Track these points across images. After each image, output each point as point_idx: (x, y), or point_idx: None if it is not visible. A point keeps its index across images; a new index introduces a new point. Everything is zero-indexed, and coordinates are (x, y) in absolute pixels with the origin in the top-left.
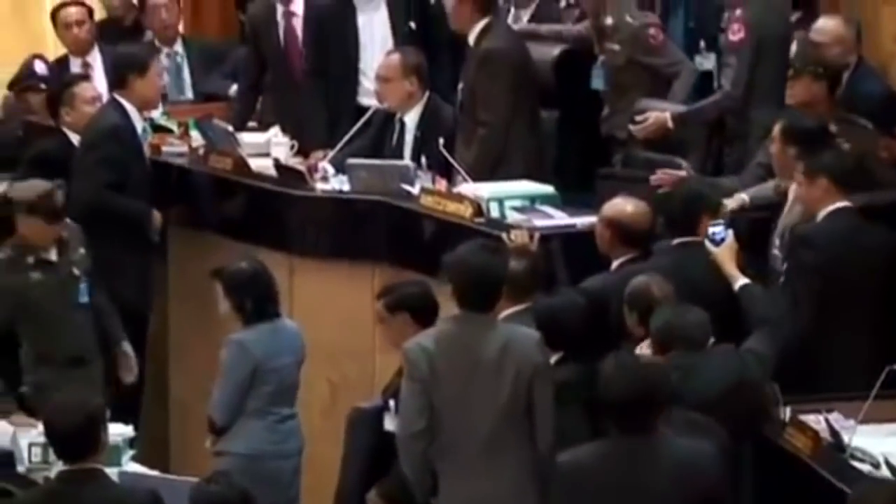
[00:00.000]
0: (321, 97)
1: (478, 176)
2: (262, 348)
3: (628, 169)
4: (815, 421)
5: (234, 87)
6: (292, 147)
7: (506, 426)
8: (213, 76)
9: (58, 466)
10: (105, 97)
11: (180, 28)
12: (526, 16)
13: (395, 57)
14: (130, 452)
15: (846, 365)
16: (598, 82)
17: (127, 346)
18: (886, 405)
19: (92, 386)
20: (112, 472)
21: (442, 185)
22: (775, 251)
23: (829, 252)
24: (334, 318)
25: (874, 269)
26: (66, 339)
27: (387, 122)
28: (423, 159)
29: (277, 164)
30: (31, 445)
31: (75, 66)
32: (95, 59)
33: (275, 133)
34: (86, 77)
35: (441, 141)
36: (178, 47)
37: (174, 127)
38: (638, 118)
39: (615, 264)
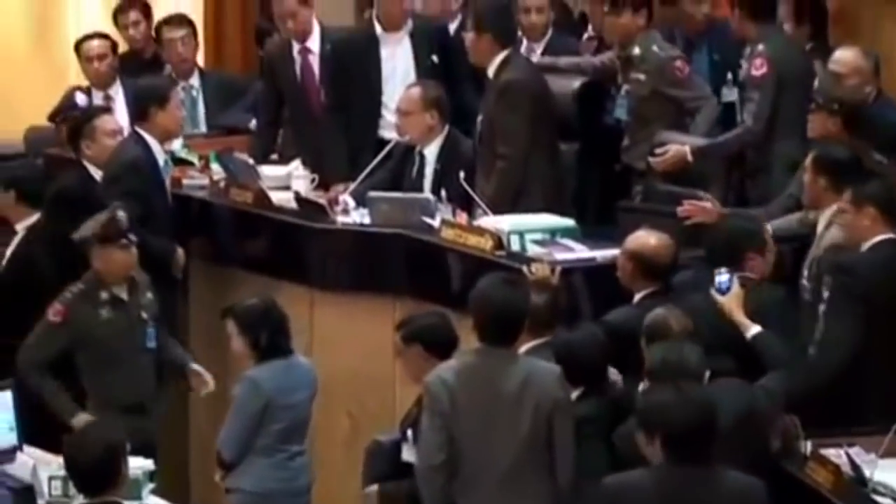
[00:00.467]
0: (342, 130)
1: (497, 208)
2: (274, 385)
3: (649, 202)
4: (836, 455)
5: (254, 121)
6: (313, 180)
7: (526, 460)
8: (233, 109)
9: (78, 500)
10: (126, 130)
11: (200, 61)
12: (539, 48)
13: (416, 90)
14: (151, 486)
15: (885, 394)
16: (620, 112)
17: (195, 365)
18: None
19: (148, 435)
20: None
21: (462, 217)
22: (804, 282)
23: (872, 281)
24: (355, 351)
25: None
26: (128, 384)
27: (407, 155)
28: (444, 192)
29: (298, 198)
30: (50, 479)
31: (97, 99)
32: (117, 92)
33: (295, 166)
34: (107, 110)
35: (461, 174)
36: (195, 80)
37: (195, 160)
38: (657, 151)
39: (637, 297)
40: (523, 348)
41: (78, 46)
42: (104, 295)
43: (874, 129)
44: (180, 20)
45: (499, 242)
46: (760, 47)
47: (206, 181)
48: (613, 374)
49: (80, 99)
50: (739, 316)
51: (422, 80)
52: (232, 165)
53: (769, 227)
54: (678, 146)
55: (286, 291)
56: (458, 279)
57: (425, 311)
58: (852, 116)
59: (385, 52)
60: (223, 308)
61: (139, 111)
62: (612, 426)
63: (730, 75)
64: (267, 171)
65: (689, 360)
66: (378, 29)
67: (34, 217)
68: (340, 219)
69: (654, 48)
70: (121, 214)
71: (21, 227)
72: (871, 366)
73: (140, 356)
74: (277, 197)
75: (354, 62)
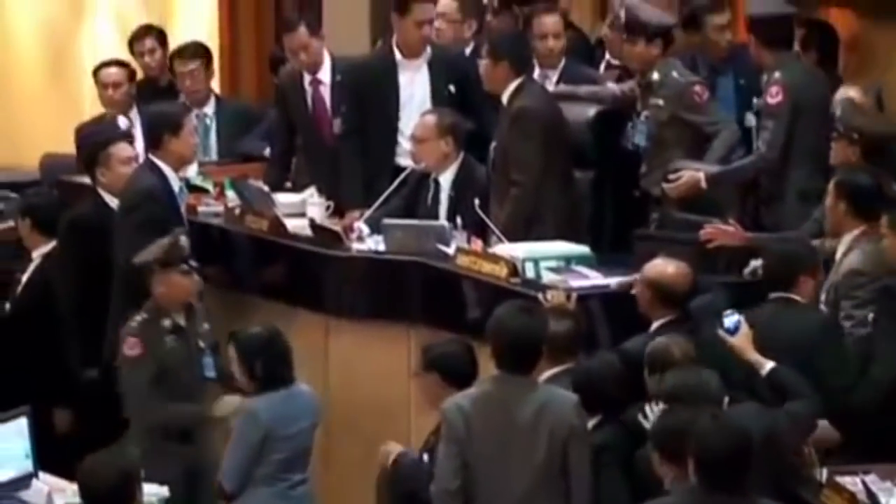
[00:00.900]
0: (358, 155)
1: (509, 235)
2: (273, 416)
3: (664, 229)
4: (852, 483)
5: (268, 149)
6: (328, 207)
7: (541, 487)
8: (248, 137)
9: None
10: (142, 157)
11: (216, 88)
12: (554, 75)
13: (431, 117)
14: None
15: None
16: (640, 138)
17: None
18: None
19: (202, 465)
20: None
21: (477, 245)
22: (822, 307)
23: None
24: (370, 378)
25: None
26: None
27: (421, 182)
28: (459, 219)
29: (313, 225)
30: None
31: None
32: (135, 119)
33: (310, 193)
34: (124, 137)
35: (476, 201)
36: (209, 109)
37: (210, 187)
38: (671, 177)
39: (655, 325)
40: (544, 375)
41: (96, 73)
42: (167, 323)
43: (893, 159)
44: (192, 52)
45: (514, 270)
46: (776, 75)
47: (221, 208)
48: None
49: (123, 123)
50: (752, 354)
51: (436, 107)
52: (247, 192)
53: None
54: (692, 172)
55: (301, 318)
56: (474, 306)
57: (449, 339)
58: (871, 146)
59: (403, 79)
60: (229, 331)
61: (152, 139)
62: (630, 454)
63: (755, 100)
64: (282, 198)
65: (710, 385)
66: (397, 55)
67: (50, 245)
68: (355, 246)
69: (674, 74)
70: (183, 240)
71: (37, 255)
72: None
73: (197, 385)
74: (292, 224)
75: (372, 88)
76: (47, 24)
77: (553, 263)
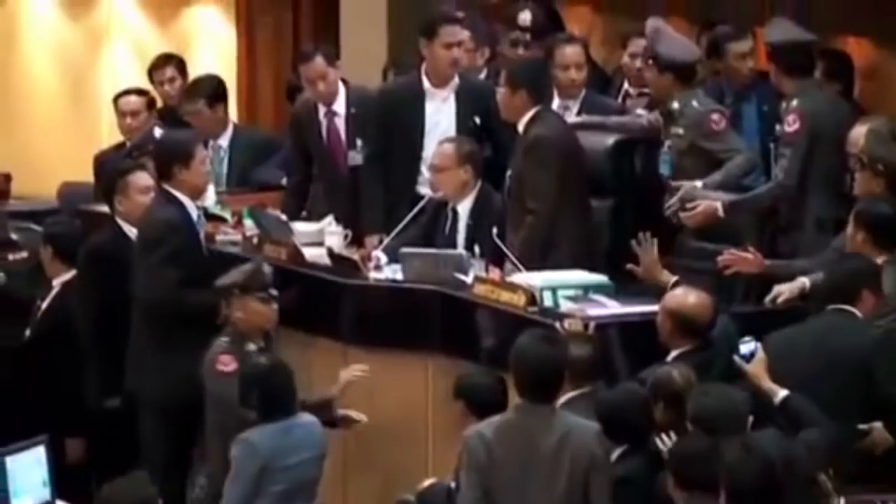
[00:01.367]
0: (380, 181)
1: (525, 263)
2: (271, 446)
3: (681, 258)
4: None
5: (285, 178)
6: (346, 236)
7: None
8: (266, 165)
9: None
10: None
11: (233, 116)
12: (574, 106)
13: (449, 146)
14: None
15: None
16: (664, 167)
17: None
18: None
19: None
20: None
21: (495, 274)
22: None
23: None
24: (388, 407)
25: None
26: None
27: (439, 210)
28: (477, 248)
29: (331, 254)
30: None
31: None
32: None
33: (328, 222)
34: (141, 166)
35: (494, 230)
36: (223, 140)
37: (228, 215)
38: (688, 206)
39: (673, 354)
40: (561, 399)
41: (115, 101)
42: (250, 346)
43: None
44: (193, 92)
45: (532, 299)
46: (794, 103)
47: (239, 237)
48: None
49: (159, 133)
50: (766, 382)
51: (455, 136)
52: (265, 221)
53: (807, 280)
54: (709, 202)
55: (320, 347)
56: (491, 335)
57: (482, 370)
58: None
59: (430, 108)
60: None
61: (163, 171)
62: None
63: (778, 127)
64: (300, 227)
65: (738, 405)
66: (425, 83)
67: (70, 273)
68: (373, 275)
69: (694, 103)
70: (266, 268)
71: (57, 283)
72: None
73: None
74: (310, 253)
75: (398, 115)
76: (65, 53)
77: (571, 292)
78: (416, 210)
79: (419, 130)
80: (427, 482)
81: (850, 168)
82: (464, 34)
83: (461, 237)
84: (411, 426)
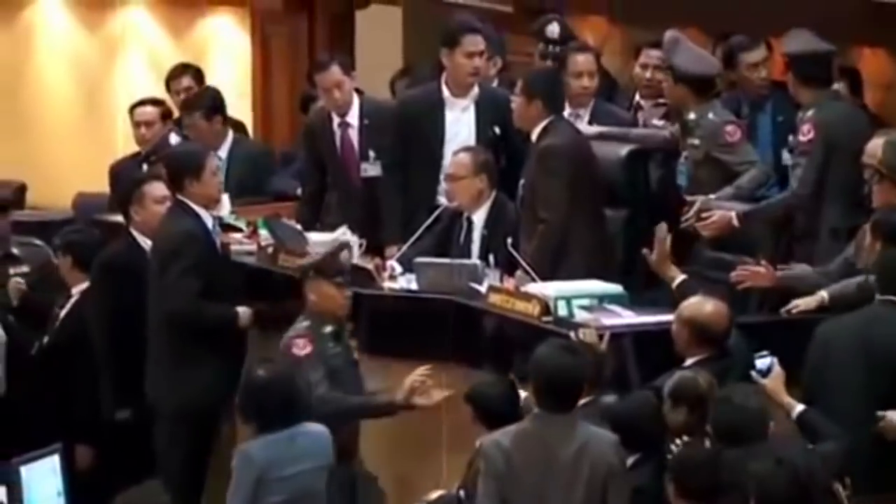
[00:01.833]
0: (399, 190)
1: (536, 273)
2: (267, 457)
3: (699, 269)
4: None
5: (300, 188)
6: (360, 245)
7: None
8: (280, 175)
9: None
10: None
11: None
12: (585, 114)
13: (465, 155)
14: None
15: None
16: (682, 178)
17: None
18: None
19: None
20: None
21: (510, 283)
22: None
23: None
24: (402, 416)
25: None
26: (345, 429)
27: (454, 220)
28: (492, 257)
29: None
30: None
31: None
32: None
33: (342, 232)
34: (156, 176)
35: (509, 239)
36: (222, 152)
37: (243, 226)
38: (704, 215)
39: (689, 363)
40: None
41: (132, 109)
42: (328, 329)
43: None
44: (191, 104)
45: (546, 308)
46: (809, 113)
47: (253, 247)
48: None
49: (174, 139)
50: (783, 397)
51: (469, 145)
52: (280, 231)
53: (825, 293)
54: (723, 211)
55: None
56: (506, 345)
57: (497, 379)
58: None
59: (450, 117)
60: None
61: (175, 183)
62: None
63: (791, 138)
64: (314, 236)
65: (760, 412)
66: (445, 93)
67: (88, 282)
68: (388, 284)
69: (710, 115)
70: (344, 254)
71: (76, 291)
72: None
73: (358, 393)
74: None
75: (418, 123)
76: (80, 63)
77: (585, 302)
78: (430, 220)
79: (439, 140)
80: (434, 494)
81: (867, 180)
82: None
83: (476, 247)
84: (425, 435)
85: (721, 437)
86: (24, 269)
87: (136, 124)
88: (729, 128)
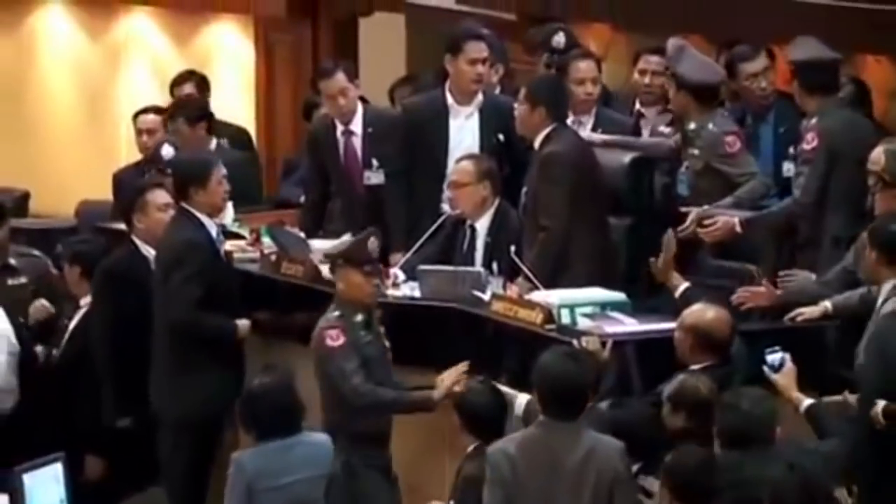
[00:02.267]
0: (404, 198)
1: (538, 280)
2: (258, 466)
3: (701, 276)
4: None
5: (303, 196)
6: None
7: None
8: (284, 183)
9: None
10: None
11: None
12: (588, 122)
13: (468, 162)
14: None
15: None
16: (682, 187)
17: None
18: None
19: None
20: None
21: (513, 291)
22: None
23: None
24: (405, 424)
25: None
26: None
27: (457, 228)
28: (495, 265)
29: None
30: None
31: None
32: None
33: (346, 240)
34: (158, 184)
35: (512, 247)
36: None
37: (246, 233)
38: (706, 222)
39: (692, 369)
40: None
41: (135, 117)
42: (359, 317)
43: None
44: (175, 110)
45: (549, 316)
46: (813, 121)
47: (257, 254)
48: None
49: (166, 151)
50: (793, 393)
51: (473, 152)
52: (283, 238)
53: (829, 303)
54: (726, 218)
55: None
56: (509, 353)
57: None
58: None
59: (454, 125)
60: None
61: (180, 191)
62: None
63: (791, 150)
64: (317, 244)
65: (767, 416)
66: (449, 100)
67: None
68: (391, 292)
69: (710, 125)
70: (373, 241)
71: (84, 303)
72: None
73: (390, 382)
74: (328, 270)
75: (422, 131)
76: (84, 71)
77: (588, 309)
78: (434, 227)
79: (443, 147)
80: None
81: (870, 187)
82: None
83: (479, 255)
84: (428, 444)
85: (728, 442)
86: (23, 279)
87: (139, 132)
88: (729, 138)
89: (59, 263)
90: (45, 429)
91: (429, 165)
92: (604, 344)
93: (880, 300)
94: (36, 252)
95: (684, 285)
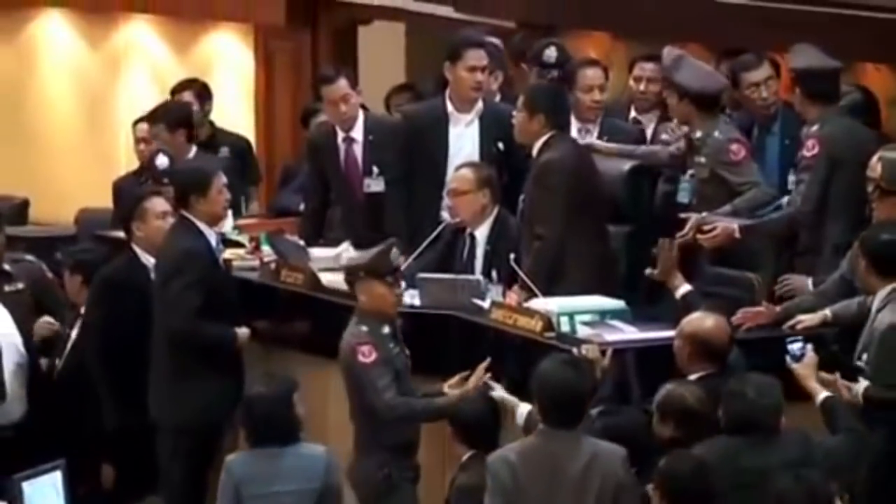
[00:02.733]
0: (403, 206)
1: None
2: (245, 472)
3: (700, 284)
4: None
5: (303, 204)
6: None
7: None
8: (284, 191)
9: None
10: None
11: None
12: (595, 129)
13: (467, 170)
14: None
15: None
16: (684, 195)
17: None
18: None
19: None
20: None
21: (512, 299)
22: (858, 364)
23: None
24: None
25: None
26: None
27: (456, 236)
28: (495, 273)
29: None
30: None
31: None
32: None
33: (345, 247)
34: (157, 192)
35: (512, 256)
36: None
37: (245, 241)
38: (706, 227)
39: (691, 378)
40: None
41: (133, 126)
42: (386, 329)
43: None
44: (156, 115)
45: (548, 324)
46: (814, 129)
47: (256, 262)
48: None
49: (160, 161)
50: (812, 384)
51: (472, 160)
52: (282, 247)
53: (829, 311)
54: (726, 223)
55: (337, 372)
56: (508, 361)
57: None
58: None
59: (454, 132)
60: None
61: (180, 199)
62: None
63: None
64: (317, 252)
65: (769, 409)
66: (449, 107)
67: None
68: None
69: (716, 133)
70: (395, 252)
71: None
72: None
73: (410, 392)
74: (327, 278)
75: (422, 138)
76: (83, 79)
77: (588, 318)
78: (433, 235)
79: (443, 154)
80: None
81: (868, 195)
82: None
83: (479, 263)
84: (427, 451)
85: (732, 429)
86: (20, 285)
87: (136, 140)
88: (733, 146)
89: (58, 270)
90: (51, 438)
91: (428, 172)
92: (603, 352)
93: (874, 309)
94: (29, 257)
95: (685, 287)
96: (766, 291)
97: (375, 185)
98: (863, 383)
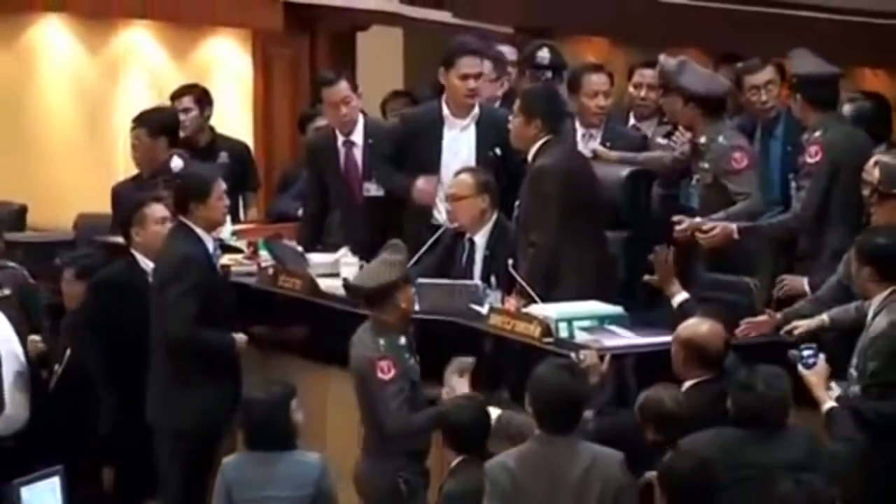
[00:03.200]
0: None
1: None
2: (237, 475)
3: (696, 289)
4: None
5: (301, 209)
6: (361, 267)
7: None
8: (282, 196)
9: None
10: None
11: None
12: (598, 134)
13: (467, 175)
14: None
15: None
16: (691, 200)
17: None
18: None
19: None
20: None
21: (511, 304)
22: (852, 371)
23: None
24: None
25: None
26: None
27: (455, 241)
28: (493, 279)
29: (346, 284)
30: None
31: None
32: None
33: (343, 253)
34: (157, 198)
35: (510, 261)
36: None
37: (243, 247)
38: (705, 228)
39: (687, 384)
40: None
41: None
42: (402, 340)
43: None
44: (140, 119)
45: (547, 329)
46: (816, 134)
47: (254, 268)
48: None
49: (175, 163)
50: (820, 392)
51: (471, 165)
52: (280, 252)
53: (826, 316)
54: (725, 224)
55: (336, 377)
56: (507, 366)
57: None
58: None
59: (449, 137)
60: None
61: (180, 206)
62: None
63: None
64: (315, 258)
65: (776, 402)
66: (445, 112)
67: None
68: None
69: (720, 138)
70: (405, 253)
71: None
72: None
73: (422, 402)
74: (326, 284)
75: (417, 143)
76: (82, 84)
77: (586, 323)
78: (432, 240)
79: (436, 156)
80: None
81: (866, 198)
82: (484, 66)
83: (478, 268)
84: (431, 456)
85: (740, 422)
86: (7, 291)
87: (133, 147)
88: (736, 154)
89: (56, 275)
90: (51, 443)
91: (421, 174)
92: (602, 357)
93: (871, 313)
94: (11, 263)
95: (683, 295)
96: (765, 296)
97: (375, 189)
98: (836, 390)
